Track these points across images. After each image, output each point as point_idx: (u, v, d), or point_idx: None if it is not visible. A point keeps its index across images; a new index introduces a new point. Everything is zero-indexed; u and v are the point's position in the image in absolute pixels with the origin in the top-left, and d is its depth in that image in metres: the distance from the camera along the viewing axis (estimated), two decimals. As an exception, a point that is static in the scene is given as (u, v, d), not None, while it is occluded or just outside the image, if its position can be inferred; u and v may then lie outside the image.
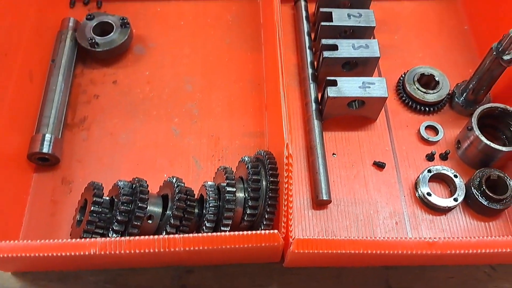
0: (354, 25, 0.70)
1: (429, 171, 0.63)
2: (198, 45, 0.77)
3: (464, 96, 0.69)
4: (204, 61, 0.76)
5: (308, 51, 0.74)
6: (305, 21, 0.77)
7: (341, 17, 0.71)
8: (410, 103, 0.70)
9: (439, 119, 0.70)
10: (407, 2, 0.83)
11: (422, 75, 0.71)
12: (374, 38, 0.78)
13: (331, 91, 0.64)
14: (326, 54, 0.68)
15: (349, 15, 0.71)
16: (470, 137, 0.63)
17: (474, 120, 0.62)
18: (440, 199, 0.61)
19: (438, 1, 0.83)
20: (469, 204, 0.62)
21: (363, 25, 0.70)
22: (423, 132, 0.67)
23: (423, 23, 0.81)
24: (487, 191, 0.60)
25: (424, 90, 0.69)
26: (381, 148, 0.67)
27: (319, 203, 0.62)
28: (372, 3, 0.82)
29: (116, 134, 0.68)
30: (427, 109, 0.69)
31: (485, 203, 0.59)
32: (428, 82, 0.72)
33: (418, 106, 0.70)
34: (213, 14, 0.81)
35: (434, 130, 0.68)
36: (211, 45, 0.78)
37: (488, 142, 0.60)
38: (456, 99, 0.70)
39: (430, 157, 0.66)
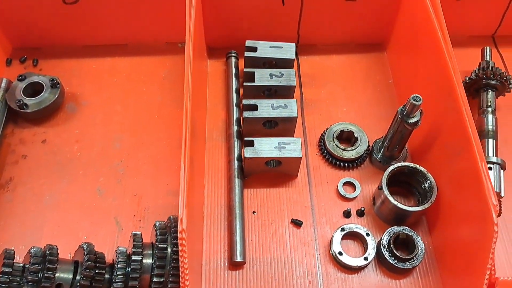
0: (275, 84, 0.73)
1: (342, 229, 0.65)
2: (130, 102, 0.80)
3: (381, 152, 0.72)
4: (134, 118, 0.78)
5: (235, 108, 0.76)
6: (234, 78, 0.80)
7: (263, 77, 0.74)
8: (330, 159, 0.72)
9: (359, 175, 0.72)
10: (335, 56, 0.86)
11: (342, 131, 0.73)
12: (302, 93, 0.81)
13: (247, 152, 0.66)
14: (246, 114, 0.70)
15: (271, 75, 0.74)
16: (381, 196, 0.65)
17: (384, 179, 0.64)
18: (350, 259, 0.62)
19: (366, 54, 0.86)
20: (381, 262, 0.64)
21: (284, 84, 0.73)
22: (341, 189, 0.69)
23: (350, 77, 0.84)
24: (394, 250, 0.61)
25: (342, 147, 0.72)
26: (300, 205, 0.69)
27: (234, 264, 0.63)
28: (302, 57, 0.86)
29: (41, 195, 0.69)
30: (346, 165, 0.72)
31: (393, 262, 0.61)
32: (349, 137, 0.74)
33: (338, 162, 0.72)
34: (146, 71, 0.83)
35: (352, 186, 0.71)
36: (143, 102, 0.80)
37: (395, 203, 0.62)
38: (375, 155, 0.72)
39: (347, 214, 0.68)
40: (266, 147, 0.66)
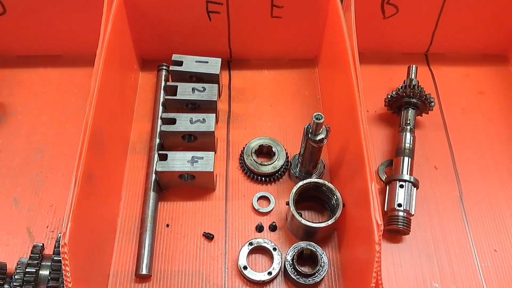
0: (197, 99, 0.74)
1: (250, 244, 0.65)
2: (57, 113, 0.80)
3: (298, 167, 0.73)
4: (59, 129, 0.78)
5: (159, 121, 0.77)
6: (162, 91, 0.80)
7: (185, 91, 0.75)
8: (248, 173, 0.73)
9: (276, 189, 0.73)
10: (267, 72, 0.87)
11: (261, 146, 0.74)
12: (230, 107, 0.81)
13: (159, 166, 0.67)
14: (163, 128, 0.71)
15: (193, 89, 0.75)
16: (289, 211, 0.66)
17: (291, 195, 0.65)
18: (255, 273, 0.63)
19: (298, 70, 0.87)
20: (286, 277, 0.64)
21: (205, 99, 0.74)
22: (255, 203, 0.70)
23: (280, 92, 0.85)
24: (296, 266, 0.62)
25: (259, 161, 0.72)
26: (215, 219, 0.70)
27: (140, 277, 0.63)
28: (235, 72, 0.87)
29: (-44, 204, 0.70)
30: (263, 179, 0.73)
31: (295, 277, 0.62)
32: (268, 152, 0.75)
33: (255, 177, 0.73)
34: (77, 82, 0.84)
35: (268, 200, 0.71)
36: (69, 113, 0.80)
37: (299, 218, 0.63)
38: (292, 170, 0.73)
39: (259, 229, 0.68)
40: (178, 161, 0.67)
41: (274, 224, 0.68)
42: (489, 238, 0.69)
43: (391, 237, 0.69)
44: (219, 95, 0.83)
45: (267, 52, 0.87)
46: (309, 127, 0.63)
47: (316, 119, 0.60)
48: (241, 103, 0.83)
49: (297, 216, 0.63)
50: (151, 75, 0.85)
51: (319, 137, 0.63)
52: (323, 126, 0.64)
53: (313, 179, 0.66)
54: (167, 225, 0.69)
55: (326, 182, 0.66)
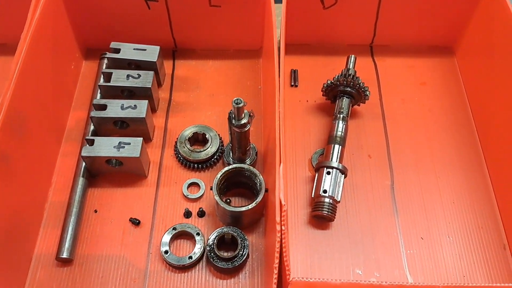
0: (131, 85, 0.74)
1: (174, 228, 0.65)
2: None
3: (230, 155, 0.73)
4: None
5: (93, 108, 0.77)
6: (102, 79, 0.81)
7: (119, 78, 0.75)
8: (182, 160, 0.73)
9: (209, 176, 0.73)
10: (212, 62, 0.87)
11: (195, 133, 0.74)
12: (171, 95, 0.81)
13: (84, 151, 0.67)
14: (93, 113, 0.71)
15: (128, 76, 0.75)
16: (214, 197, 0.66)
17: (215, 181, 0.65)
18: (175, 257, 0.63)
19: (241, 61, 0.88)
20: (208, 261, 0.64)
21: (139, 86, 0.74)
22: (185, 190, 0.70)
23: (222, 82, 0.85)
24: (216, 250, 0.62)
25: (191, 148, 0.73)
26: (144, 205, 0.70)
27: (61, 261, 0.64)
28: (180, 61, 0.87)
29: None
30: (196, 166, 0.73)
31: (214, 261, 0.62)
32: (203, 140, 0.75)
33: (188, 164, 0.73)
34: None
35: (198, 187, 0.72)
36: None
37: (221, 203, 0.63)
38: (225, 158, 0.74)
39: (187, 214, 0.69)
40: (105, 146, 0.67)
41: (201, 209, 0.68)
42: (417, 226, 0.69)
43: (318, 223, 0.69)
44: (161, 84, 0.83)
45: (211, 42, 0.87)
46: (231, 113, 0.63)
47: (236, 103, 0.61)
48: (183, 92, 0.83)
49: (219, 201, 0.63)
50: (95, 64, 0.85)
51: (241, 122, 0.63)
52: (246, 112, 0.64)
53: (236, 165, 0.66)
54: (95, 211, 0.69)
55: (250, 167, 0.66)
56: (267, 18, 0.73)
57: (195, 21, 0.82)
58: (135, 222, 0.67)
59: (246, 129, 0.64)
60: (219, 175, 0.65)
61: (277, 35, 0.68)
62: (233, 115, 0.63)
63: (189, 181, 0.71)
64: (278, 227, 0.51)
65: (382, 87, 0.85)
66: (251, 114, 0.64)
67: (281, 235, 0.51)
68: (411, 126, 0.80)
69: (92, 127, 0.74)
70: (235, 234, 0.63)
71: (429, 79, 0.86)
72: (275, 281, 0.52)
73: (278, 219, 0.51)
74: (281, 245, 0.52)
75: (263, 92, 0.83)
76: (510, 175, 0.69)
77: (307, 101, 0.83)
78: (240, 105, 0.60)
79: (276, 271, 0.52)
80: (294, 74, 0.86)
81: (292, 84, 0.85)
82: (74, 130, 0.77)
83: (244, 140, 0.67)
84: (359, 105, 0.80)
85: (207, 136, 0.73)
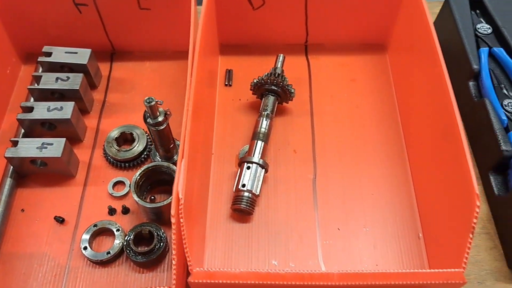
0: (59, 88, 0.77)
1: (95, 225, 0.67)
2: None
3: (157, 154, 0.75)
4: None
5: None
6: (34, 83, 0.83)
7: (48, 80, 0.77)
8: (110, 160, 0.75)
9: (136, 174, 0.76)
10: (148, 63, 0.90)
11: (123, 133, 0.76)
12: (105, 97, 0.84)
13: (8, 152, 0.69)
14: (19, 116, 0.73)
15: (57, 79, 0.77)
16: (132, 194, 0.68)
17: (133, 179, 0.68)
18: (94, 253, 0.65)
19: (177, 61, 0.89)
20: (127, 256, 0.66)
21: (67, 88, 0.76)
22: (110, 188, 0.73)
23: (158, 84, 0.87)
24: (131, 245, 0.64)
25: (118, 148, 0.75)
26: (70, 203, 0.72)
27: (-17, 259, 0.66)
28: (117, 64, 0.90)
29: None
30: (124, 165, 0.75)
31: (130, 255, 0.64)
32: (131, 139, 0.77)
33: (117, 163, 0.75)
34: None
35: (124, 185, 0.74)
36: None
37: (137, 200, 0.65)
38: (152, 156, 0.76)
39: (111, 212, 0.71)
40: (28, 147, 0.69)
41: (124, 206, 0.70)
42: (335, 218, 0.71)
43: (239, 217, 0.71)
44: (96, 86, 0.85)
45: (147, 44, 0.89)
46: (146, 112, 0.66)
47: (147, 102, 0.63)
48: (118, 94, 0.86)
49: (136, 198, 0.65)
50: (33, 68, 0.87)
51: (156, 121, 0.65)
52: (162, 110, 0.66)
53: (154, 163, 0.68)
54: (22, 210, 0.71)
55: (170, 165, 0.69)
56: (191, 20, 0.75)
57: (127, 24, 0.84)
58: (59, 220, 0.69)
59: (162, 127, 0.66)
60: (137, 174, 0.67)
61: (197, 36, 0.70)
62: (148, 114, 0.65)
63: (114, 180, 0.73)
64: (173, 220, 0.53)
65: (313, 85, 0.87)
66: (168, 112, 0.66)
67: (177, 228, 0.53)
68: (337, 121, 0.82)
69: (22, 130, 0.76)
70: (152, 229, 0.65)
71: (360, 76, 0.89)
72: (174, 272, 0.54)
73: (173, 212, 0.53)
74: (180, 238, 0.55)
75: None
76: (427, 169, 0.71)
77: (240, 99, 0.85)
78: (152, 103, 0.63)
79: (174, 262, 0.54)
80: (228, 74, 0.88)
81: (226, 83, 0.87)
82: (8, 133, 0.79)
83: (164, 138, 0.69)
84: (287, 103, 0.83)
85: (134, 135, 0.75)
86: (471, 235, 0.55)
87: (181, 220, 0.54)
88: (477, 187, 0.55)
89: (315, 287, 0.55)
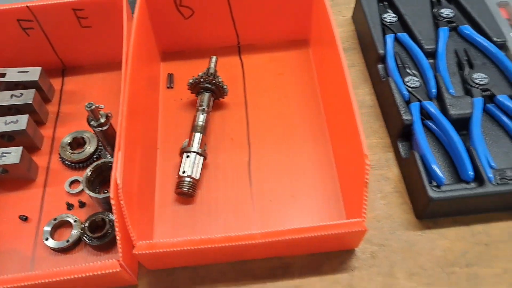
0: (14, 103, 0.86)
1: (55, 219, 0.77)
2: None
3: (107, 151, 0.85)
4: None
5: (-11, 127, 0.88)
6: (-5, 101, 0.92)
7: (4, 98, 0.86)
8: (65, 162, 0.85)
9: (90, 173, 0.85)
10: (96, 75, 0.99)
11: (75, 138, 0.86)
12: (59, 108, 0.93)
13: (-31, 162, 0.78)
14: (-21, 130, 0.82)
15: (12, 96, 0.86)
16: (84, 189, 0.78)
17: (84, 175, 0.77)
18: (55, 242, 0.75)
19: (119, 71, 0.98)
20: (85, 242, 0.76)
21: (21, 103, 0.86)
22: (67, 187, 0.82)
23: (106, 93, 0.96)
24: (87, 231, 0.74)
25: (71, 151, 0.84)
26: (33, 203, 0.81)
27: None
28: (69, 78, 0.99)
29: None
30: (78, 166, 0.84)
31: (86, 240, 0.74)
32: (83, 143, 0.87)
33: (71, 165, 0.84)
34: None
35: (78, 183, 0.83)
36: None
37: (88, 192, 0.75)
38: (102, 155, 0.85)
39: (69, 207, 0.80)
40: (-12, 156, 0.78)
41: (80, 201, 0.80)
42: (267, 192, 0.82)
43: (184, 200, 0.81)
44: (50, 99, 0.95)
45: (94, 58, 0.99)
46: (89, 116, 0.75)
47: (88, 107, 0.73)
48: (71, 105, 0.95)
49: (87, 191, 0.75)
50: (-9, 89, 0.97)
51: (98, 123, 0.75)
52: (104, 113, 0.76)
53: (102, 160, 0.78)
54: (-11, 213, 0.80)
55: (109, 160, 0.78)
56: (124, 33, 0.84)
57: (73, 42, 0.94)
58: (23, 219, 0.78)
59: (105, 127, 0.76)
60: (87, 170, 0.77)
61: (130, 46, 0.80)
62: (91, 117, 0.74)
63: (70, 179, 0.82)
64: (112, 202, 0.62)
65: (247, 81, 0.98)
66: (109, 114, 0.76)
67: (117, 208, 0.63)
68: (268, 111, 0.93)
69: (-16, 143, 0.85)
70: (104, 216, 0.74)
71: (287, 69, 1.00)
72: (120, 246, 0.64)
73: (112, 195, 0.62)
74: (121, 217, 0.64)
75: (141, 96, 0.95)
76: (341, 143, 0.82)
77: (181, 99, 0.95)
78: (92, 107, 0.72)
79: (118, 237, 0.64)
80: (169, 78, 0.98)
81: (168, 86, 0.97)
82: (-29, 148, 0.88)
83: (109, 138, 0.79)
84: (223, 98, 0.93)
85: (85, 138, 0.85)
86: (365, 189, 0.66)
87: (121, 202, 0.64)
88: (366, 149, 0.66)
89: (242, 247, 0.66)
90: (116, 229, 0.63)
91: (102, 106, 0.75)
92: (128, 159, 0.68)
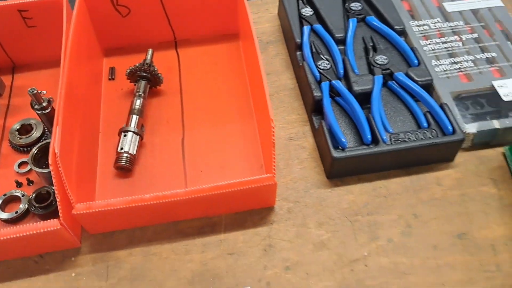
0: (-35, 96, 0.94)
1: (4, 195, 0.85)
2: None
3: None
4: None
5: None
6: None
7: (-44, 92, 0.95)
8: (15, 147, 0.93)
9: (38, 156, 0.94)
10: (44, 71, 1.08)
11: (22, 125, 0.95)
12: (9, 102, 1.02)
13: None
14: None
15: (-37, 90, 0.95)
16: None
17: (31, 153, 0.86)
18: (5, 214, 0.83)
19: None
20: (33, 212, 0.84)
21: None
22: (16, 167, 0.91)
23: (52, 85, 1.04)
24: (33, 202, 0.83)
25: (19, 136, 0.93)
26: (-16, 184, 0.90)
27: None
28: (19, 74, 1.08)
29: None
30: (27, 149, 0.93)
31: (35, 211, 0.82)
32: (31, 128, 0.96)
33: (21, 149, 0.93)
34: None
35: (27, 163, 0.92)
36: None
37: (33, 167, 0.84)
38: (49, 138, 0.94)
39: (18, 184, 0.89)
40: None
41: (28, 179, 0.89)
42: (198, 164, 0.92)
43: (124, 174, 0.91)
44: (1, 94, 1.03)
45: (41, 56, 1.07)
46: (31, 100, 0.85)
47: (30, 91, 0.82)
48: (20, 98, 1.03)
49: (32, 167, 0.84)
50: None
51: (40, 106, 0.84)
52: (46, 98, 0.85)
53: (45, 141, 0.87)
54: None
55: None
56: (63, 31, 0.94)
57: (21, 41, 1.03)
58: (-24, 197, 0.86)
59: (47, 110, 0.85)
60: (34, 149, 0.86)
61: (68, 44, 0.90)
62: (34, 102, 0.84)
63: (19, 161, 0.91)
64: (51, 167, 0.72)
65: (182, 71, 1.09)
66: (51, 99, 0.86)
67: (56, 173, 0.72)
68: (202, 96, 1.04)
69: None
70: (49, 189, 0.83)
71: (220, 60, 1.11)
72: (60, 206, 0.73)
73: (50, 161, 0.72)
74: (60, 181, 0.73)
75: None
76: (261, 120, 0.93)
77: (122, 89, 1.05)
78: (34, 92, 0.82)
79: (58, 199, 0.73)
80: (111, 70, 1.08)
81: (110, 78, 1.07)
82: None
83: (52, 121, 0.87)
84: (160, 86, 1.04)
85: (32, 125, 0.94)
86: (273, 149, 0.77)
87: (60, 169, 0.73)
88: (271, 115, 0.78)
89: (169, 204, 0.76)
90: (56, 192, 0.72)
91: (44, 92, 0.84)
92: (66, 133, 0.78)
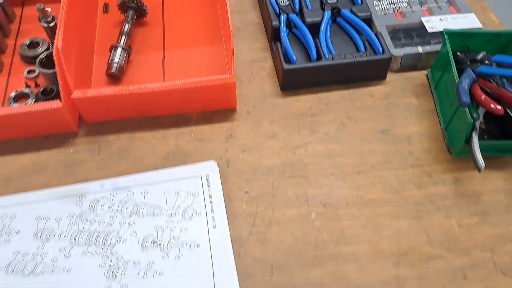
0: (-17, 16, 1.13)
1: (16, 91, 1.04)
2: None
3: (55, 51, 1.13)
4: None
5: (-37, 36, 1.15)
6: (-33, 19, 1.18)
7: (-25, 13, 1.14)
8: (24, 58, 1.12)
9: (43, 67, 1.14)
10: (50, 5, 1.27)
11: (31, 41, 1.14)
12: (19, 28, 1.21)
13: (-49, 52, 1.04)
14: (-43, 33, 1.09)
15: (-19, 11, 1.14)
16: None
17: (38, 58, 1.05)
18: (16, 104, 1.02)
19: (70, 2, 1.29)
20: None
21: (-11, 16, 1.13)
22: (26, 74, 1.10)
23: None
24: (40, 95, 1.02)
25: (28, 49, 1.12)
26: (-1, 86, 1.09)
27: None
28: (27, 8, 1.26)
29: None
30: (33, 60, 1.12)
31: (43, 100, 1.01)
32: (37, 44, 1.15)
33: (28, 60, 1.12)
34: None
35: (35, 72, 1.11)
36: None
37: (39, 68, 1.03)
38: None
39: (27, 86, 1.07)
40: (-35, 48, 1.05)
41: (35, 82, 1.07)
42: (175, 77, 1.12)
43: (113, 82, 1.10)
44: (12, 20, 1.22)
45: None
46: (40, 15, 1.04)
47: (38, 7, 1.01)
48: (29, 24, 1.22)
49: (39, 68, 1.03)
50: (-37, 14, 1.23)
51: (46, 20, 1.03)
52: (51, 14, 1.04)
53: (51, 50, 1.06)
54: (-35, 92, 1.06)
55: (61, 50, 1.06)
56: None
57: None
58: (-8, 94, 1.05)
59: (52, 24, 1.04)
60: (41, 55, 1.05)
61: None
62: (41, 16, 1.03)
63: (28, 69, 1.10)
64: (55, 58, 0.91)
65: (165, 7, 1.28)
66: (54, 16, 1.04)
67: (58, 63, 0.91)
68: (181, 25, 1.23)
69: (-40, 46, 1.11)
70: (52, 87, 1.02)
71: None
72: (61, 90, 0.92)
73: (54, 53, 0.91)
74: (62, 70, 0.92)
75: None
76: (227, 39, 1.13)
77: (114, 20, 1.24)
78: (41, 7, 1.01)
79: (60, 84, 0.92)
80: (105, 6, 1.27)
81: (104, 11, 1.26)
82: (-51, 52, 1.14)
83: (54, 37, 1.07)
84: (145, 17, 1.23)
85: (39, 42, 1.13)
86: (232, 55, 0.97)
87: (62, 61, 0.92)
88: (231, 26, 0.97)
89: (148, 94, 0.96)
90: (58, 78, 0.91)
91: (49, 9, 1.03)
92: (67, 36, 0.97)
